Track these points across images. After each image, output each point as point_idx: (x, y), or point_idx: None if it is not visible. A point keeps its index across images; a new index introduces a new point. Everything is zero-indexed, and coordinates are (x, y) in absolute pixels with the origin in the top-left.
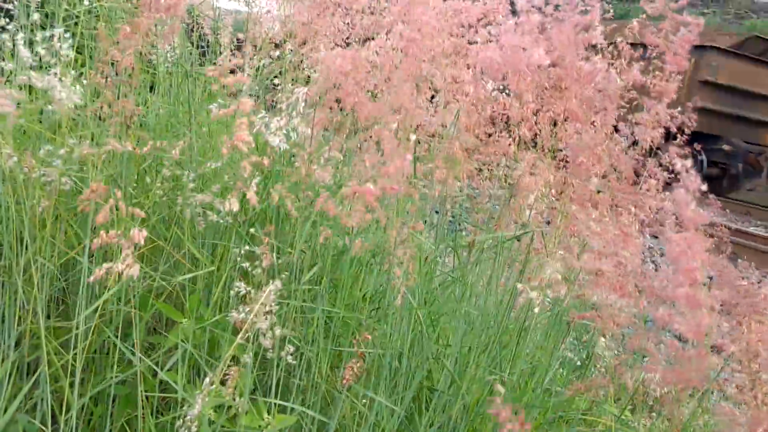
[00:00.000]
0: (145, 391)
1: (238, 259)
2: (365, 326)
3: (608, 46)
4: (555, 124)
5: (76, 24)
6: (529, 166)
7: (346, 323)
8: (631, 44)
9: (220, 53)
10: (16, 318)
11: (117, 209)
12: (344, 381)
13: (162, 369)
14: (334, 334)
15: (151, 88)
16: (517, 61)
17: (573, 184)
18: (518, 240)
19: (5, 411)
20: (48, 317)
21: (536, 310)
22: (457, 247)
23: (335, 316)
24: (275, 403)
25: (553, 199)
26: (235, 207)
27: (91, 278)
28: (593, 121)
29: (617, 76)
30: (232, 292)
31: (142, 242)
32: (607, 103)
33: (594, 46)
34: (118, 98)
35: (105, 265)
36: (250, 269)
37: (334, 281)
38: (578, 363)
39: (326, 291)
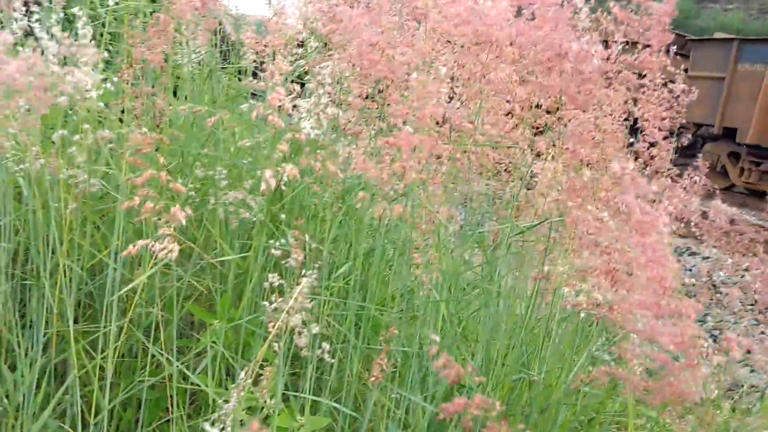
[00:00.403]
0: (176, 395)
1: (273, 251)
2: (395, 325)
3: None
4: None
5: (103, 25)
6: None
7: (376, 322)
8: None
9: (243, 54)
10: (44, 322)
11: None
12: (373, 379)
13: (193, 372)
14: (365, 334)
15: (174, 93)
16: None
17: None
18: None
19: (35, 415)
20: (76, 321)
21: (568, 307)
22: (482, 245)
23: (365, 315)
24: (307, 401)
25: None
26: (272, 183)
27: (124, 252)
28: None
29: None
30: (265, 284)
31: (184, 222)
32: (590, 85)
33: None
34: (145, 96)
35: (140, 242)
36: (282, 262)
37: (363, 280)
38: (611, 362)
39: (357, 288)
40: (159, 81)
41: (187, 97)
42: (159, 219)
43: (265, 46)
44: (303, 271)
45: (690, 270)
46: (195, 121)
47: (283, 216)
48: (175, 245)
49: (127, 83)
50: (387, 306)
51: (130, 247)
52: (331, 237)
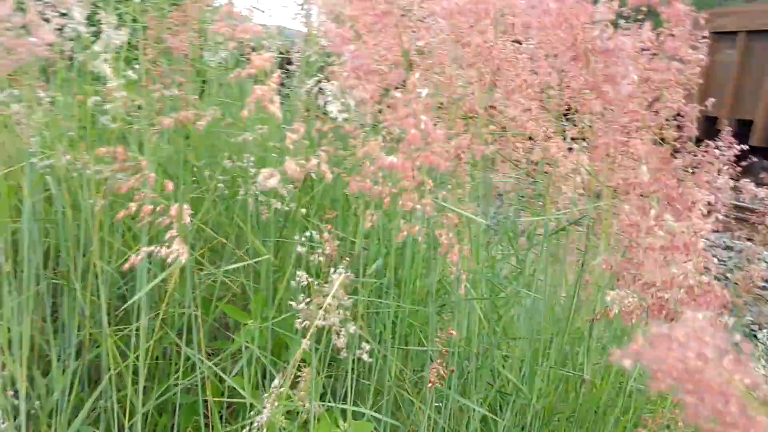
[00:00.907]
0: (211, 399)
1: (299, 247)
2: (433, 324)
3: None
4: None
5: (121, 17)
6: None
7: (411, 321)
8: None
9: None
10: (76, 325)
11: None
12: (430, 384)
13: (228, 374)
14: (401, 332)
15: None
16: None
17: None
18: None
19: (69, 423)
20: (108, 324)
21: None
22: (511, 240)
23: (401, 313)
24: (349, 406)
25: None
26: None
27: (127, 265)
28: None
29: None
30: (292, 283)
31: (188, 220)
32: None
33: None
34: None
35: (144, 249)
36: (310, 258)
37: (396, 277)
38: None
39: (391, 286)
40: (184, 70)
41: (214, 93)
42: (160, 221)
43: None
44: (332, 269)
45: (725, 263)
46: (222, 117)
47: (304, 210)
48: (185, 248)
49: (150, 65)
50: (422, 303)
51: (132, 257)
52: (363, 231)
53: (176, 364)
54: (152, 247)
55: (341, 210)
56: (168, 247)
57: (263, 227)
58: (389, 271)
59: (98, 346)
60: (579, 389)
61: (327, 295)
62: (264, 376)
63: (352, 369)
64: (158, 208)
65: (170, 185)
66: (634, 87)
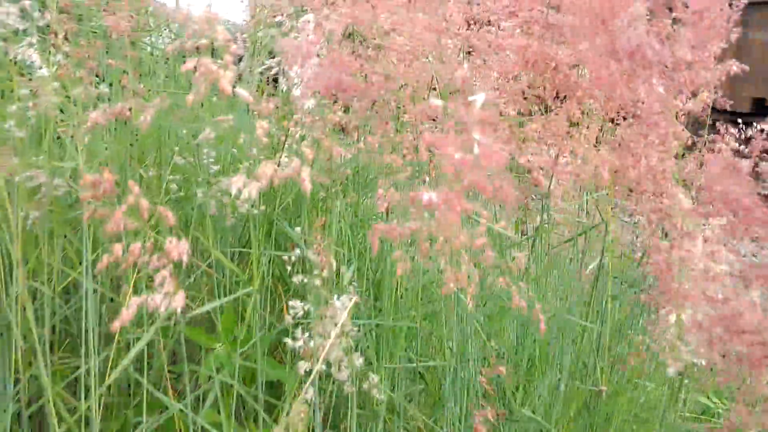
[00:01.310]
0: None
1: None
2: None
3: None
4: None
5: None
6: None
7: (395, 333)
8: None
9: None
10: (13, 361)
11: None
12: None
13: (199, 406)
14: (385, 352)
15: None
16: None
17: None
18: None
19: None
20: (51, 351)
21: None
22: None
23: (384, 329)
24: None
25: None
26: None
27: (117, 323)
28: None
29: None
30: (288, 317)
31: (185, 258)
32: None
33: None
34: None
35: (134, 300)
36: (303, 280)
37: (375, 282)
38: None
39: (371, 294)
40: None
41: (159, 84)
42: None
43: None
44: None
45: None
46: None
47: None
48: (180, 295)
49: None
50: (415, 309)
51: (123, 311)
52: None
53: (137, 395)
54: (141, 298)
55: (305, 211)
56: (160, 290)
57: (223, 233)
58: (364, 280)
59: (40, 398)
60: (591, 403)
61: (338, 326)
62: (237, 404)
63: (347, 398)
64: (147, 244)
65: (170, 215)
66: (657, 96)
